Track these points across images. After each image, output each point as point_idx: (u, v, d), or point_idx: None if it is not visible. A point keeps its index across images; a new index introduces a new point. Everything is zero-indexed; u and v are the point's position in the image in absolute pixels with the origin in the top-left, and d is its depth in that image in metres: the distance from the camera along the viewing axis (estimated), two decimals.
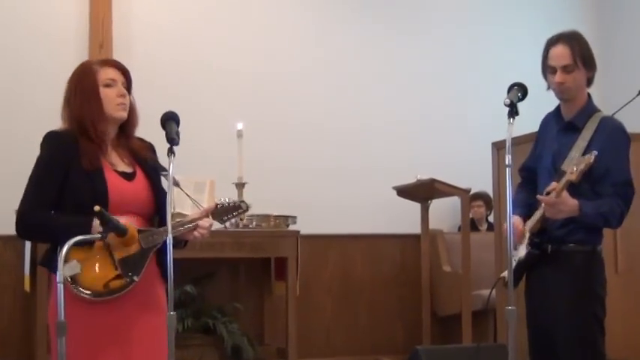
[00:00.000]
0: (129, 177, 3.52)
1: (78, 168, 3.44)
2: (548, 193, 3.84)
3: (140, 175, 3.56)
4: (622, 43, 8.81)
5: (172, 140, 3.39)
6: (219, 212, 3.59)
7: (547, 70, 4.02)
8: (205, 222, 3.52)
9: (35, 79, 7.37)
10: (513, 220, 3.93)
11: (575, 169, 3.64)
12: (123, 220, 3.37)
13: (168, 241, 3.29)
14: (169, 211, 3.29)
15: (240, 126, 6.97)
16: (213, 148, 7.21)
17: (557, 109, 4.13)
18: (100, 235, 3.30)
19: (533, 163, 4.24)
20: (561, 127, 4.05)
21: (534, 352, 3.95)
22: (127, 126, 3.59)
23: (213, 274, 7.24)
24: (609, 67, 8.68)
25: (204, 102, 7.57)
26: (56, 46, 7.46)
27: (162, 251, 3.51)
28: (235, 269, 7.53)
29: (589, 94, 4.10)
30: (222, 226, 3.64)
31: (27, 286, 6.42)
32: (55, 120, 7.57)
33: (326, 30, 8.31)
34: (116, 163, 3.54)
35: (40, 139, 7.39)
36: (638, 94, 6.82)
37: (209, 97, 7.67)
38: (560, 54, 3.95)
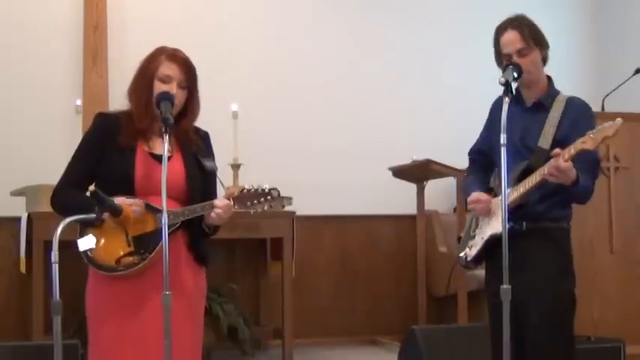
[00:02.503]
0: (160, 160, 3.51)
1: (114, 146, 3.52)
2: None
3: (177, 160, 3.60)
4: (618, 24, 8.81)
5: (167, 120, 3.43)
6: (243, 197, 3.56)
7: (502, 59, 4.02)
8: (219, 202, 3.52)
9: (30, 61, 7.37)
10: (478, 195, 4.02)
11: (591, 136, 3.59)
12: (150, 200, 3.46)
13: (163, 224, 3.30)
14: (164, 191, 3.30)
15: (235, 107, 6.97)
16: (208, 129, 7.10)
17: (517, 93, 4.10)
18: (94, 216, 3.32)
19: (485, 146, 4.27)
20: (527, 108, 4.05)
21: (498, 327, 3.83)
22: (181, 118, 3.65)
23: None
24: (606, 47, 8.70)
25: (199, 83, 7.52)
26: (50, 27, 7.46)
27: (194, 236, 3.59)
28: (231, 250, 7.54)
29: (549, 76, 4.11)
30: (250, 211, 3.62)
31: (23, 268, 6.42)
32: (51, 101, 7.61)
33: (323, 11, 8.29)
34: (157, 147, 3.58)
35: (36, 122, 7.45)
36: (634, 74, 6.83)
37: (204, 79, 7.55)
38: (512, 39, 3.98)
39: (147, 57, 3.65)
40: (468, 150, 4.42)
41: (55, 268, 3.19)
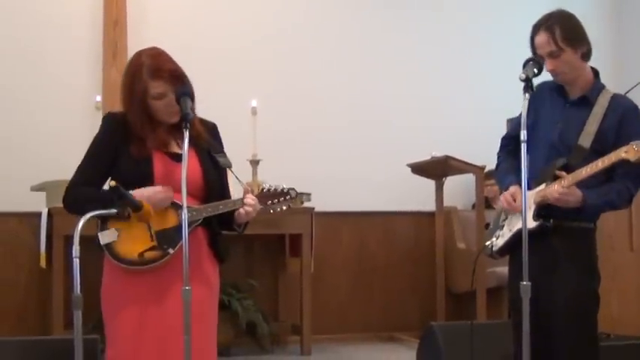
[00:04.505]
0: (178, 158, 3.51)
1: (127, 148, 3.51)
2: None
3: (192, 157, 3.56)
4: (635, 21, 8.76)
5: (187, 115, 3.41)
6: (263, 196, 3.57)
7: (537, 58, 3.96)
8: (250, 199, 3.53)
9: (50, 57, 7.40)
10: (516, 192, 3.92)
11: (634, 147, 3.53)
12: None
13: (183, 219, 3.30)
14: (184, 188, 3.30)
15: (254, 103, 6.98)
16: (227, 125, 7.14)
17: (559, 84, 4.03)
18: (116, 211, 3.32)
19: (518, 132, 4.15)
20: (570, 102, 3.99)
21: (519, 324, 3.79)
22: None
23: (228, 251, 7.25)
24: (626, 42, 8.65)
25: (219, 79, 7.57)
26: (70, 23, 7.49)
27: (214, 232, 3.60)
28: (250, 246, 7.56)
29: (595, 70, 4.03)
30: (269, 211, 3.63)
31: (43, 263, 6.46)
32: (71, 97, 7.63)
33: (343, 7, 8.29)
34: (168, 143, 3.57)
35: (55, 118, 7.48)
36: None
37: (223, 74, 7.68)
38: (542, 42, 3.87)
39: (129, 73, 3.54)
40: (504, 135, 4.30)
41: (76, 262, 3.19)
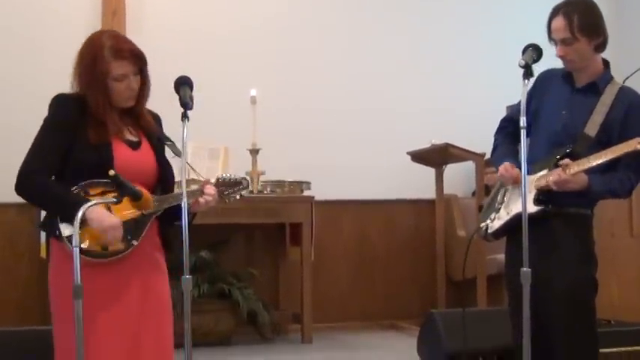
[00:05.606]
0: (134, 146, 3.50)
1: (84, 136, 3.42)
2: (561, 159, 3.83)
3: (145, 144, 3.54)
4: (635, 9, 8.73)
5: (186, 105, 3.38)
6: (220, 184, 3.58)
7: (551, 41, 3.95)
8: (210, 189, 3.51)
9: (48, 47, 7.38)
10: (507, 166, 3.93)
11: None
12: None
13: (183, 206, 3.30)
14: (184, 176, 3.29)
15: (253, 92, 6.96)
16: (226, 114, 7.22)
17: (568, 72, 4.04)
18: (115, 200, 3.29)
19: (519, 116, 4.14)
20: (577, 89, 3.99)
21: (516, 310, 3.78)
22: (137, 101, 3.54)
23: (229, 240, 7.28)
24: (625, 28, 8.63)
25: (218, 68, 7.55)
26: (69, 13, 7.46)
27: (164, 221, 3.54)
28: (250, 235, 7.56)
29: (606, 61, 4.03)
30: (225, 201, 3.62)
31: (43, 253, 6.45)
32: (69, 89, 7.59)
33: None
34: (122, 130, 3.50)
35: None
36: None
37: (222, 64, 7.66)
38: (558, 27, 3.87)
39: (89, 53, 3.51)
40: (504, 117, 4.30)
41: (76, 252, 3.19)
